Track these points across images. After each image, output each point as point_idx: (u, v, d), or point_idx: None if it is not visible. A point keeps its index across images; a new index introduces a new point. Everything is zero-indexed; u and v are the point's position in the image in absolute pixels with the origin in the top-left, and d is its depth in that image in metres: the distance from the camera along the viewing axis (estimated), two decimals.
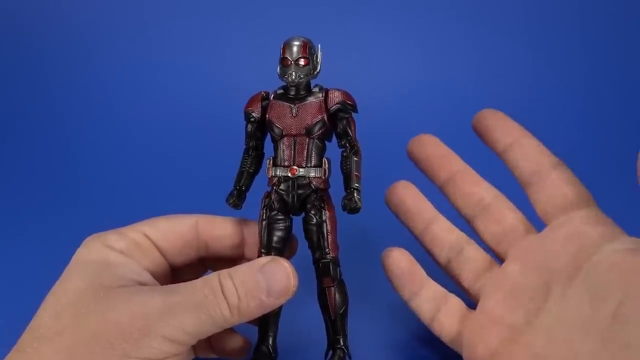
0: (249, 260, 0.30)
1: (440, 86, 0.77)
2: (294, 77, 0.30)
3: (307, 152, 0.31)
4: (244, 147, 0.33)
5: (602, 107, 0.76)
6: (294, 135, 0.31)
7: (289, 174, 0.30)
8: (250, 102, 0.32)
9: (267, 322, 0.31)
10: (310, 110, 0.31)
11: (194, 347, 0.32)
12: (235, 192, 0.32)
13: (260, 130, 0.32)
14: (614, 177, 0.65)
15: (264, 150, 0.33)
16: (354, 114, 0.32)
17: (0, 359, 0.25)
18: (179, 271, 0.33)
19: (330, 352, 0.31)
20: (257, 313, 0.27)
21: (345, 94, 0.31)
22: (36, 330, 0.25)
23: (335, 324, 0.31)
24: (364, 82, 0.75)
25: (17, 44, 0.81)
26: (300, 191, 0.30)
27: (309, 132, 0.31)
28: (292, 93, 0.31)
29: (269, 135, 0.33)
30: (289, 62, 0.30)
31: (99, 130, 0.76)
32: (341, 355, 0.31)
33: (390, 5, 0.78)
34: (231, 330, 0.33)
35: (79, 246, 0.29)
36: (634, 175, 0.66)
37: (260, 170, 0.33)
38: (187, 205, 0.36)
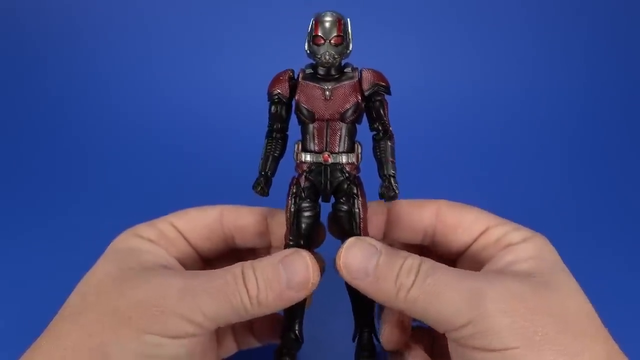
0: (277, 249, 0.30)
1: (440, 86, 0.78)
2: (327, 57, 0.28)
3: (340, 137, 0.29)
4: (267, 129, 0.31)
5: (602, 106, 0.77)
6: (327, 120, 0.29)
7: (322, 161, 0.29)
8: (276, 82, 0.30)
9: (292, 310, 0.31)
10: (345, 94, 0.29)
11: (236, 339, 0.33)
12: (261, 179, 0.30)
13: (286, 112, 0.30)
14: (613, 175, 0.66)
15: (288, 133, 0.31)
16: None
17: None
18: (212, 263, 0.33)
19: (358, 334, 0.32)
20: (276, 305, 0.26)
21: (379, 75, 0.29)
22: (64, 311, 0.26)
23: (363, 309, 0.32)
24: None
25: (19, 43, 0.80)
26: (333, 178, 0.29)
27: (343, 116, 0.29)
28: (322, 73, 0.29)
29: (293, 118, 0.30)
30: (322, 41, 0.28)
31: (105, 127, 0.75)
32: (369, 337, 0.32)
33: (389, 5, 0.79)
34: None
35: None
36: (633, 173, 0.66)
37: (284, 154, 0.31)
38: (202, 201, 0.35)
